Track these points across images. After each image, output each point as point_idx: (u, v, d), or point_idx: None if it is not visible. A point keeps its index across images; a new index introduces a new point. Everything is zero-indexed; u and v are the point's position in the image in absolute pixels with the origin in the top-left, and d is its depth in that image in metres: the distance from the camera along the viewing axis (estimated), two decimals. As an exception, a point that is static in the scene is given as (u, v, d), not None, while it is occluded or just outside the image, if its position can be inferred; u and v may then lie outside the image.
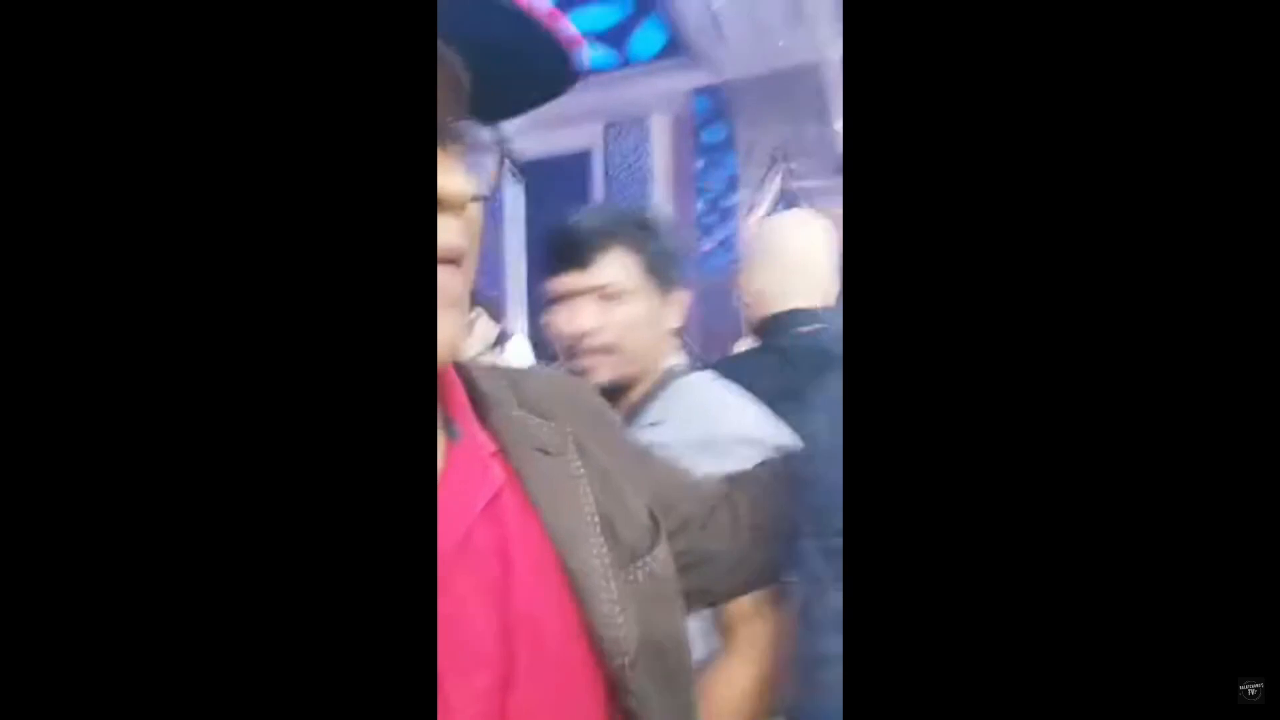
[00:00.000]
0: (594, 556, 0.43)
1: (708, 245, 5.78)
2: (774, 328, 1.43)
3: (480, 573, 0.39)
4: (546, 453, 0.45)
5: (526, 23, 0.40)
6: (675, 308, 1.14)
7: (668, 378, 1.12)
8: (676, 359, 1.29)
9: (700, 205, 5.89)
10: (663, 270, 1.10)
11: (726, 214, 5.70)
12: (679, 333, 1.20)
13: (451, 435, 0.43)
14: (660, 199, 5.84)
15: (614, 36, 5.63)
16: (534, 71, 0.43)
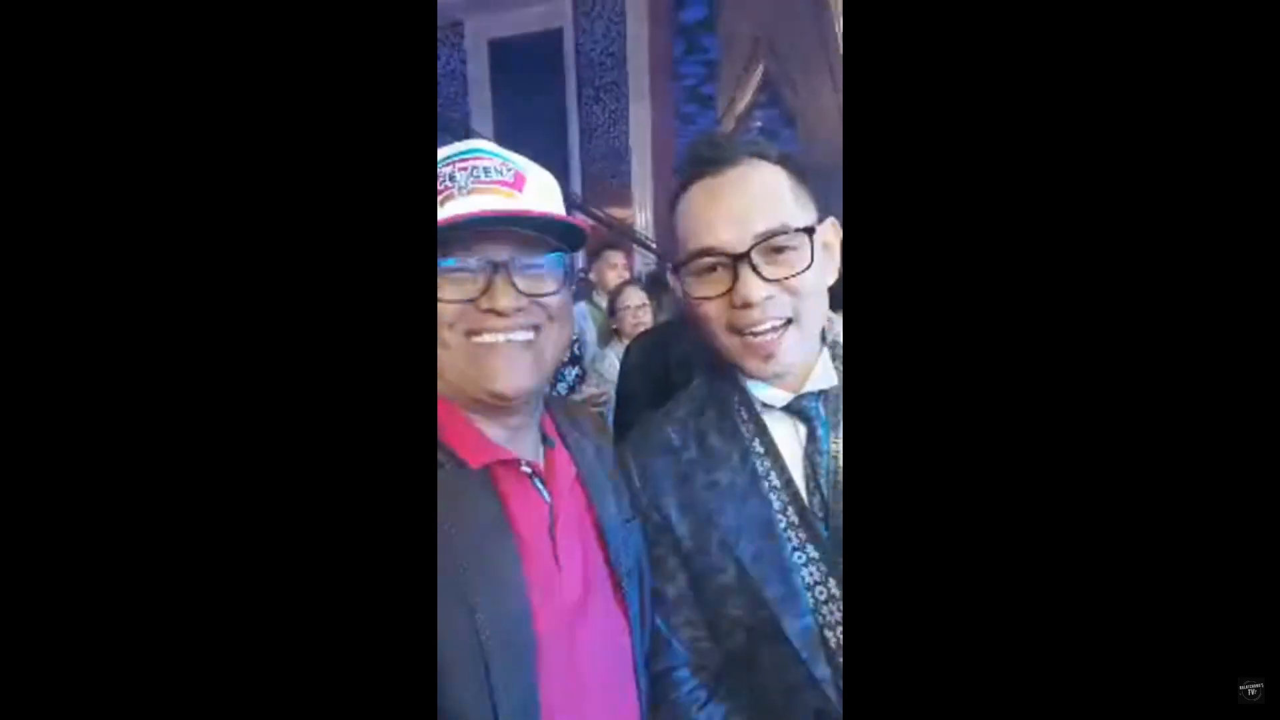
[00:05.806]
0: (612, 514, 0.78)
1: (687, 136, 5.53)
2: None
3: (566, 521, 0.73)
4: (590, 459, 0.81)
5: None
6: None
7: None
8: None
9: (678, 92, 5.59)
10: None
11: (706, 102, 5.40)
12: None
13: (549, 444, 0.76)
14: (635, 82, 5.51)
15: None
16: None
